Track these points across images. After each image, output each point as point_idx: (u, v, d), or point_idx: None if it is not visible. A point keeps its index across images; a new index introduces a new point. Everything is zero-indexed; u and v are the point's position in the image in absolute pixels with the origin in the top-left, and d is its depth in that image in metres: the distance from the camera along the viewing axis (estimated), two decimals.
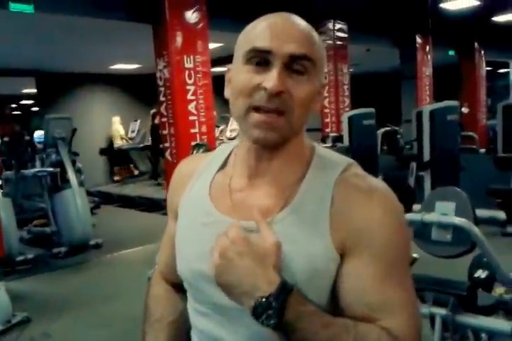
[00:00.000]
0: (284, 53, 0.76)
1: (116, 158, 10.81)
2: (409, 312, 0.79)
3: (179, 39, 5.51)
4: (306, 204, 0.81)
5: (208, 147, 4.78)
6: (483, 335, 1.94)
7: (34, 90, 10.61)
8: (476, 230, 1.86)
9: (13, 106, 14.83)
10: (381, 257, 0.78)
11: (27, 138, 7.60)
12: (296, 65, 0.77)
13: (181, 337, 0.99)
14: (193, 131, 5.71)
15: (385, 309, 0.78)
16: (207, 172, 0.94)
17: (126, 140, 10.79)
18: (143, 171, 10.81)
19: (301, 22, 0.81)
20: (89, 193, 6.92)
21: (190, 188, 0.94)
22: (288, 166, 0.85)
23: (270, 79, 0.75)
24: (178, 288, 1.00)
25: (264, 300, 0.70)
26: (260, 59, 0.77)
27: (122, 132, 10.78)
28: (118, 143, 10.69)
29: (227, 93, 0.84)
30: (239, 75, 0.79)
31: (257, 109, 0.77)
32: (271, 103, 0.76)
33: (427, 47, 9.90)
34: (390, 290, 0.78)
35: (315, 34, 0.82)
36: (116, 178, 10.73)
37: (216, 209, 0.87)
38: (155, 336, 0.97)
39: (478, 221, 1.96)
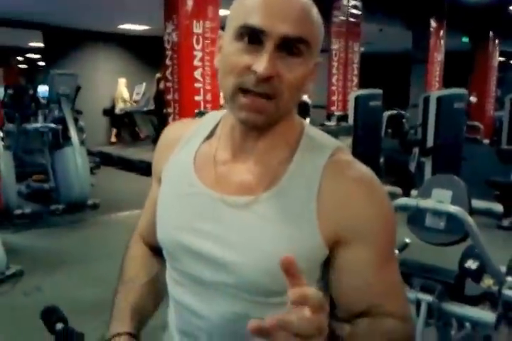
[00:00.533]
0: (278, 34, 0.72)
1: (119, 119, 10.76)
2: (403, 292, 0.85)
3: (189, 3, 5.40)
4: (293, 186, 0.80)
5: None
6: (467, 324, 1.99)
7: (41, 44, 10.46)
8: (469, 220, 1.87)
9: (20, 59, 14.64)
10: (377, 246, 0.79)
11: (31, 92, 7.55)
12: (289, 46, 0.73)
13: (153, 298, 0.98)
14: (197, 98, 5.65)
15: (388, 294, 0.81)
16: (193, 140, 0.92)
17: (130, 103, 10.71)
18: (145, 135, 10.79)
19: None
20: (90, 153, 6.92)
21: (175, 155, 0.92)
22: (274, 146, 0.84)
23: (261, 62, 0.71)
24: (157, 251, 1.00)
25: None
26: (252, 37, 0.73)
27: (126, 95, 10.69)
28: (120, 105, 10.63)
29: (217, 61, 0.81)
30: (229, 51, 0.76)
31: (245, 91, 0.74)
32: (259, 87, 0.73)
33: (441, 32, 9.76)
34: (389, 276, 0.82)
35: (314, 10, 0.77)
36: (112, 140, 10.69)
37: (200, 181, 0.86)
38: (125, 295, 0.96)
39: (473, 211, 1.98)
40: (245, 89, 0.74)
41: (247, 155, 0.84)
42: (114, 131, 10.84)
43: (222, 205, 0.82)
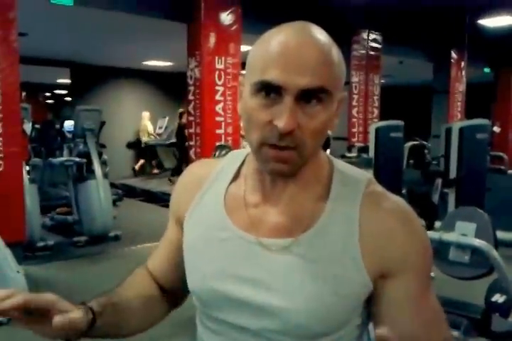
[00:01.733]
0: (296, 87, 0.70)
1: (142, 152, 10.93)
2: (444, 317, 0.84)
3: (212, 40, 5.58)
4: (332, 224, 0.78)
5: (231, 149, 4.80)
6: None
7: (68, 80, 10.80)
8: (494, 253, 1.83)
9: (47, 94, 15.10)
10: (419, 275, 0.80)
11: (57, 126, 7.74)
12: (309, 96, 0.72)
13: (143, 303, 0.93)
14: (218, 131, 5.76)
15: (433, 321, 0.81)
16: (219, 181, 0.88)
17: (153, 136, 10.91)
18: (168, 168, 10.91)
19: (317, 39, 0.73)
20: (113, 185, 7.01)
21: (201, 196, 0.89)
22: (306, 186, 0.82)
23: (281, 118, 0.70)
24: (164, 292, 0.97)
25: None
26: (270, 92, 0.72)
27: (150, 128, 10.91)
28: (145, 138, 10.82)
29: (240, 109, 0.80)
30: (249, 106, 0.75)
31: (269, 145, 0.75)
32: (283, 141, 0.73)
33: (462, 63, 9.78)
34: (431, 303, 0.82)
35: (334, 50, 0.75)
36: (136, 167, 10.82)
37: (233, 225, 0.83)
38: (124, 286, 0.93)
39: (498, 244, 1.93)
40: (269, 144, 0.74)
41: (279, 197, 0.82)
42: (141, 161, 10.97)
43: (260, 249, 0.80)
